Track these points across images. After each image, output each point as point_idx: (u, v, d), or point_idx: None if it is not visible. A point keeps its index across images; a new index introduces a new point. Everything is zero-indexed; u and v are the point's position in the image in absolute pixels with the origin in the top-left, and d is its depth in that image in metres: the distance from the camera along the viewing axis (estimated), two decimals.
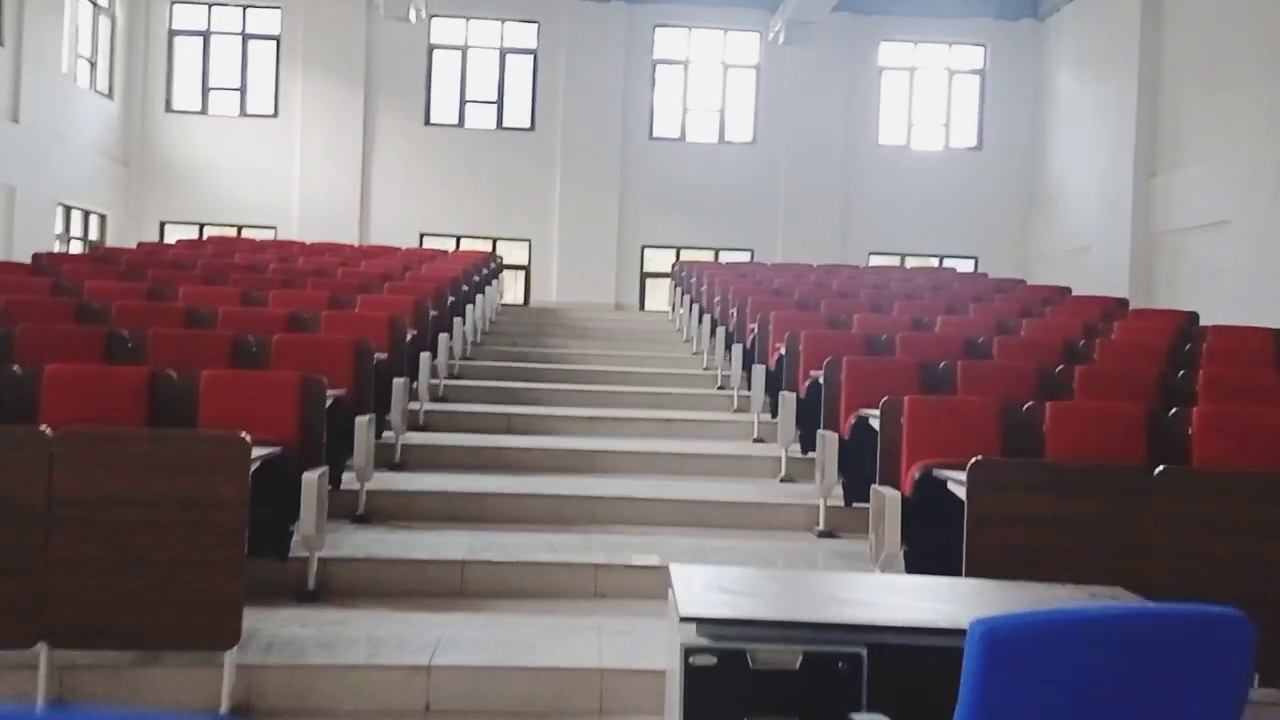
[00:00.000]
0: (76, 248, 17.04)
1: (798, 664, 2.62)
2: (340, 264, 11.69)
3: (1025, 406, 5.37)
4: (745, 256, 19.40)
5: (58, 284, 8.51)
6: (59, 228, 16.64)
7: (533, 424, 8.78)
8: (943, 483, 4.81)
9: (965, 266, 19.32)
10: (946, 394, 6.34)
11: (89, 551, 3.89)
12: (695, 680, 2.61)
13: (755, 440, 8.74)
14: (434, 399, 9.36)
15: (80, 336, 6.18)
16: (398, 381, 7.32)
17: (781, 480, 7.62)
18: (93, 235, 17.87)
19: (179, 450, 3.99)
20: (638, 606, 5.25)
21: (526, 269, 19.68)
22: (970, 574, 3.95)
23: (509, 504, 6.64)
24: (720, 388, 10.71)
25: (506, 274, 17.76)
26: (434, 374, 9.52)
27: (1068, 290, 12.34)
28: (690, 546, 6.01)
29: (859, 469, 6.18)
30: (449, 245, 18.66)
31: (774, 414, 8.61)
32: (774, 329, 8.90)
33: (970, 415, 5.30)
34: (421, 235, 19.27)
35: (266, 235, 18.33)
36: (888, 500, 5.05)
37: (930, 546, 5.15)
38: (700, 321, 12.56)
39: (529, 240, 19.61)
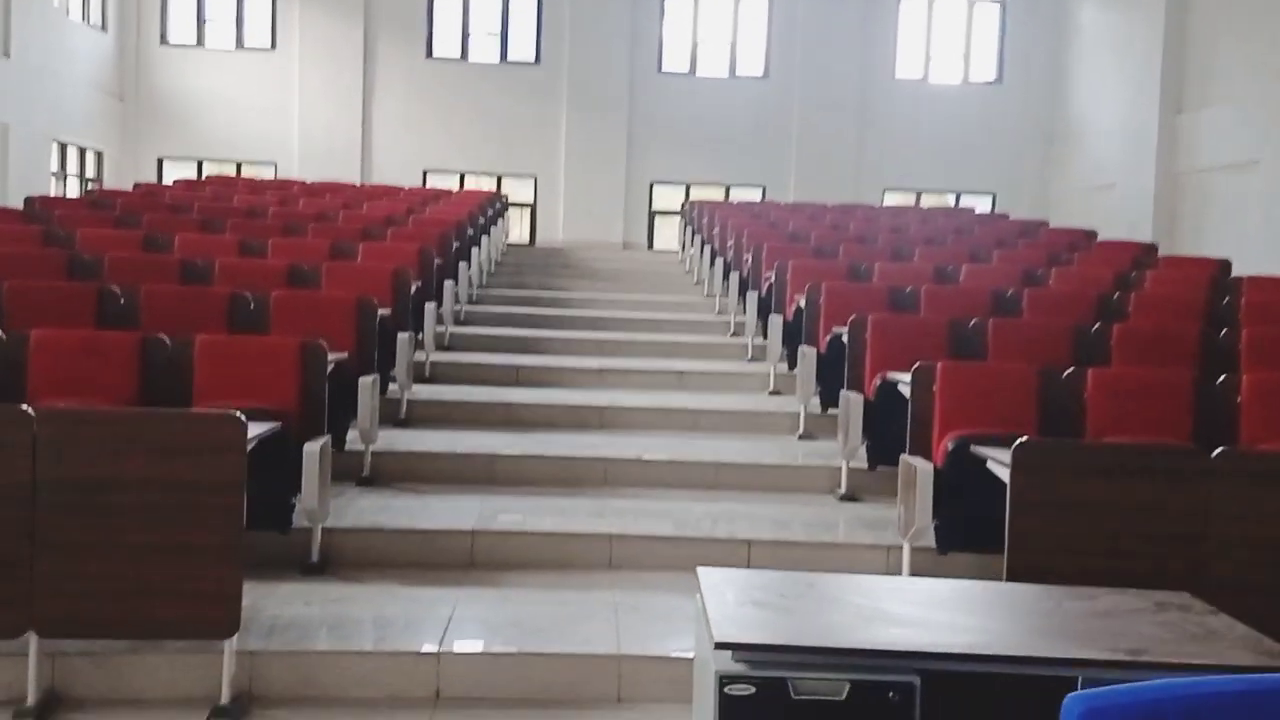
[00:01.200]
0: (74, 186, 16.69)
1: (844, 694, 2.38)
2: (342, 206, 11.35)
3: (1065, 374, 5.10)
4: (756, 194, 19.00)
5: (49, 232, 8.21)
6: (55, 165, 16.27)
7: (542, 376, 8.53)
8: (978, 454, 4.56)
9: (983, 204, 18.92)
10: (977, 355, 6.07)
11: (77, 537, 3.66)
12: (731, 712, 2.38)
13: (772, 393, 8.49)
14: (440, 348, 9.10)
15: (71, 294, 5.91)
16: (402, 336, 7.05)
17: (800, 438, 7.38)
18: (89, 172, 17.50)
19: (171, 430, 3.74)
20: (653, 580, 5.04)
21: (532, 207, 19.30)
22: (1012, 563, 3.72)
23: (519, 465, 6.41)
24: (734, 334, 10.44)
25: (511, 212, 17.39)
26: (439, 321, 9.25)
27: (1093, 234, 11.98)
28: (706, 513, 5.78)
29: (884, 432, 5.93)
30: (453, 183, 18.27)
31: (791, 366, 8.35)
32: (792, 279, 8.59)
33: (1008, 383, 5.04)
34: (424, 172, 18.86)
35: (266, 173, 17.95)
36: (919, 472, 4.80)
37: (962, 520, 4.92)
38: (712, 265, 12.25)
39: (534, 177, 19.21)
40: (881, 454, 6.04)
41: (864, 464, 6.25)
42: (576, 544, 5.29)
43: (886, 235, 11.15)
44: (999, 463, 4.19)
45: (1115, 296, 7.57)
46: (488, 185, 18.17)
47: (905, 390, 5.36)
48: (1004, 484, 4.21)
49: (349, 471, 6.08)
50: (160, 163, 18.47)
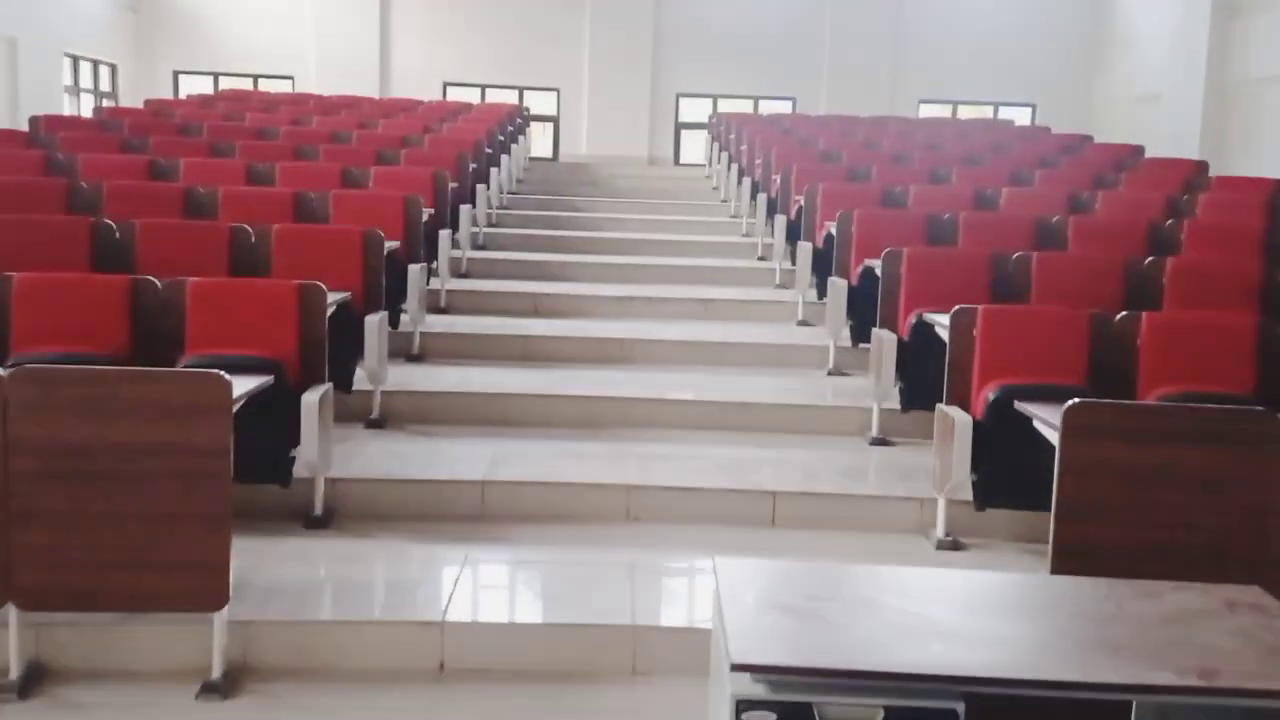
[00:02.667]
0: (87, 101, 16.32)
1: None
2: (357, 126, 10.95)
3: (1118, 318, 4.73)
4: (786, 107, 18.38)
5: (50, 159, 7.90)
6: (67, 79, 15.89)
7: (562, 306, 8.22)
8: (1023, 411, 4.24)
9: (1022, 115, 18.22)
10: (1019, 293, 5.69)
11: (54, 505, 3.44)
12: None
13: (800, 323, 8.16)
14: (456, 274, 8.80)
15: (64, 230, 5.62)
16: (414, 268, 6.74)
17: (829, 374, 7.06)
18: (104, 87, 17.11)
19: (151, 390, 3.47)
20: (673, 535, 4.79)
21: (555, 120, 18.76)
22: (1059, 535, 3.42)
23: (535, 405, 6.14)
24: (760, 258, 10.07)
25: (534, 126, 16.89)
26: (455, 246, 8.93)
27: (1140, 151, 11.41)
28: (730, 459, 5.50)
29: (919, 375, 5.61)
30: (474, 96, 17.76)
31: (821, 295, 8.01)
32: (822, 204, 8.18)
33: (1054, 328, 4.69)
34: (445, 85, 18.34)
35: (283, 86, 17.50)
36: (957, 425, 4.50)
37: (1002, 475, 4.63)
38: (739, 183, 11.81)
39: (557, 90, 18.64)
40: (915, 397, 5.73)
41: (896, 406, 5.94)
42: (593, 495, 5.03)
43: (922, 154, 10.65)
44: (1047, 424, 3.87)
45: (1167, 225, 7.13)
46: (509, 98, 17.63)
47: (942, 333, 5.02)
48: (1046, 437, 4.00)
49: (357, 413, 5.85)
50: (176, 76, 18.04)
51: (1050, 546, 3.43)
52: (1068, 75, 18.45)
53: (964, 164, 10.11)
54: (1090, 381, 4.66)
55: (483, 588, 4.27)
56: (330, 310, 4.89)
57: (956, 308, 4.82)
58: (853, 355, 7.04)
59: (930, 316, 5.37)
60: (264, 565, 4.21)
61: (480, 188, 10.08)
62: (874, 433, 5.96)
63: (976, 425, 4.53)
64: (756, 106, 18.47)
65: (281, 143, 9.33)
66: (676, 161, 18.62)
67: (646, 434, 5.93)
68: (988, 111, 18.75)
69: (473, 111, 13.60)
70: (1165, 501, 3.44)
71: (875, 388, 5.84)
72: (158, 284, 4.69)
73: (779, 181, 9.80)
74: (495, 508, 4.95)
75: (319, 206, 6.81)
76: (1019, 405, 4.23)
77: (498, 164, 11.50)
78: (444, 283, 8.09)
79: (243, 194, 6.86)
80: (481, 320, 7.74)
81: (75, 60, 16.17)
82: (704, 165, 16.11)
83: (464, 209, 9.05)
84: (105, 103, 16.56)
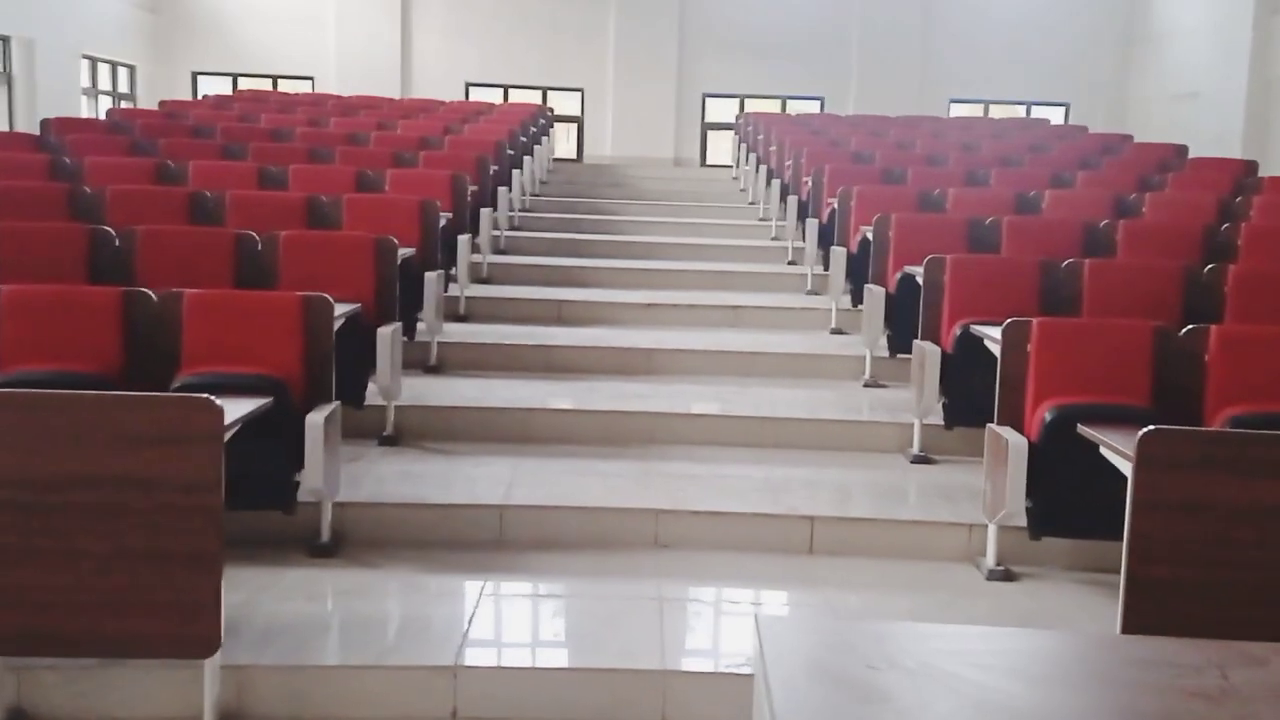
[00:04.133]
0: (106, 104, 16.14)
1: None
2: (375, 127, 10.68)
3: (1184, 332, 4.38)
4: (815, 107, 18.02)
5: (56, 162, 7.66)
6: (85, 81, 15.72)
7: (586, 313, 7.92)
8: (1088, 436, 3.89)
9: (1055, 114, 17.78)
10: (1071, 303, 5.35)
11: (30, 542, 3.14)
12: None
13: (833, 331, 7.82)
14: (476, 280, 8.52)
15: (60, 238, 5.35)
16: (430, 275, 6.45)
17: (866, 385, 6.73)
18: (122, 88, 16.94)
19: (135, 417, 3.17)
20: (704, 565, 4.47)
21: (579, 121, 18.47)
22: (1132, 572, 3.08)
23: (557, 421, 5.84)
24: (791, 263, 9.74)
25: (558, 127, 16.61)
26: (474, 251, 8.65)
27: (1184, 151, 10.99)
28: (762, 479, 5.18)
29: (964, 390, 5.27)
30: (496, 97, 17.49)
31: (855, 302, 7.68)
32: (856, 208, 7.84)
33: (1116, 343, 4.34)
34: (468, 86, 18.08)
35: (304, 88, 17.28)
36: (1011, 448, 4.16)
37: (1061, 501, 4.28)
38: (768, 185, 11.48)
39: (581, 90, 18.35)
40: (960, 414, 5.39)
41: (938, 421, 5.60)
42: (618, 520, 4.71)
43: (957, 155, 10.29)
44: (1119, 453, 3.53)
45: (1222, 229, 6.75)
46: (533, 99, 17.35)
47: (992, 347, 4.67)
48: (1108, 461, 3.66)
49: (370, 430, 5.56)
50: (195, 77, 17.87)
51: (1122, 590, 3.09)
52: (1102, 73, 18.00)
53: (1002, 165, 9.75)
54: (1155, 400, 4.31)
55: (500, 626, 3.96)
56: (339, 323, 4.60)
57: (1009, 320, 4.47)
58: (890, 366, 6.70)
59: (979, 329, 5.02)
60: (264, 600, 3.93)
61: (501, 190, 9.79)
62: (915, 450, 5.63)
63: (1032, 448, 4.20)
64: (784, 107, 18.12)
65: (296, 144, 9.07)
66: (703, 163, 18.30)
67: (673, 451, 5.62)
68: (1020, 111, 18.34)
69: (494, 112, 13.32)
70: (1250, 539, 3.10)
71: (918, 404, 5.50)
72: (153, 296, 4.40)
73: (810, 184, 9.46)
74: (514, 534, 4.64)
75: (331, 211, 6.53)
76: (1083, 430, 3.88)
77: (520, 166, 11.21)
78: (463, 289, 7.80)
79: (252, 198, 6.58)
80: (502, 329, 7.44)
81: (94, 62, 16.01)
82: (731, 167, 15.78)
83: (484, 212, 8.77)
84: (124, 104, 16.39)
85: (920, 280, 5.72)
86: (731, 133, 16.21)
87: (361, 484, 4.87)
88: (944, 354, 5.40)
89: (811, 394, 6.49)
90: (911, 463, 5.59)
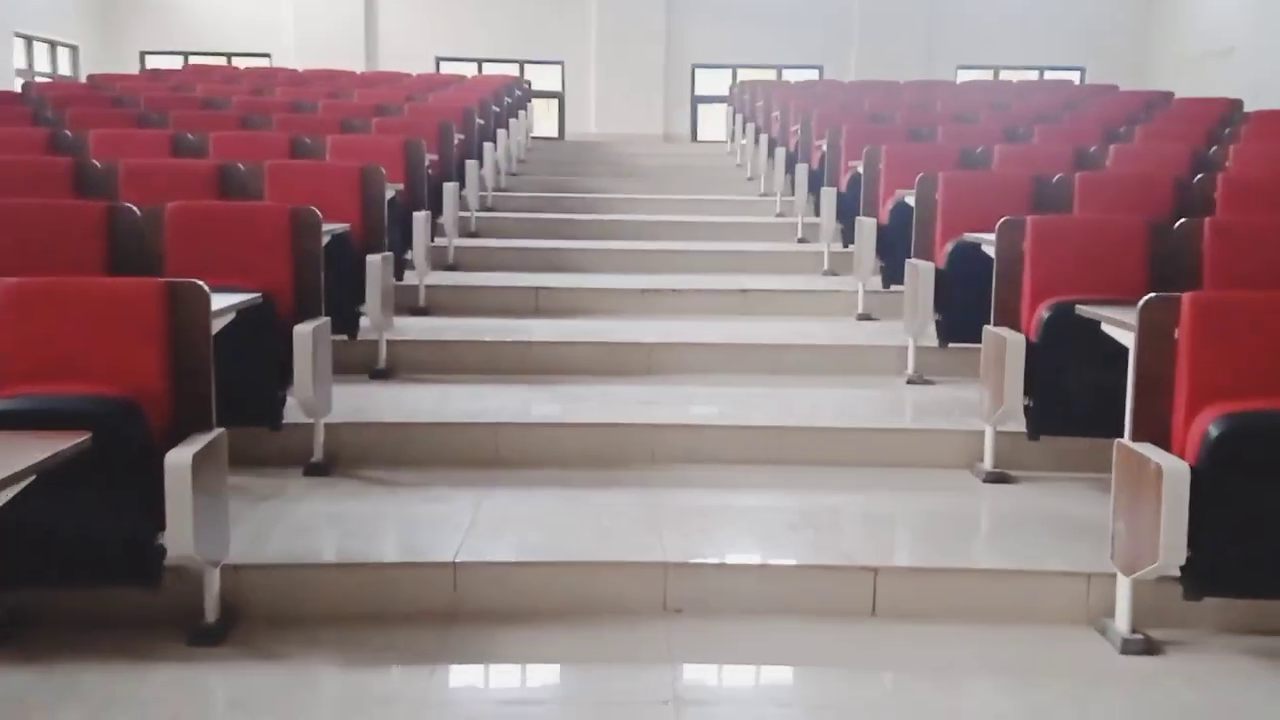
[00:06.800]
0: None
1: None
2: (327, 96, 9.43)
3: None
4: (813, 76, 16.79)
5: None
6: (19, 62, 14.38)
7: (570, 301, 6.71)
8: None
9: (1071, 79, 16.59)
10: (1191, 272, 4.18)
11: None
12: None
13: (861, 317, 6.62)
14: (440, 266, 7.29)
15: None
16: (374, 259, 5.20)
17: (910, 382, 5.53)
18: (63, 70, 15.60)
19: None
20: (729, 640, 3.28)
21: (560, 96, 17.21)
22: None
23: (534, 439, 4.63)
24: (801, 239, 8.54)
25: (537, 103, 15.34)
26: (440, 234, 7.42)
27: (1239, 104, 9.78)
28: (799, 511, 3.97)
29: (1049, 384, 4.13)
30: (469, 71, 16.20)
31: (886, 284, 6.50)
32: (886, 171, 6.61)
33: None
34: (438, 60, 16.80)
35: (260, 65, 15.96)
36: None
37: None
38: (770, 156, 10.25)
39: (561, 63, 17.09)
40: (1037, 420, 4.22)
41: (1017, 428, 4.38)
42: (615, 579, 3.50)
43: (988, 113, 9.09)
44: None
45: None
46: (509, 73, 16.08)
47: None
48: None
49: (294, 456, 4.32)
50: (143, 57, 16.52)
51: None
52: (1120, 35, 16.84)
53: (1039, 122, 8.55)
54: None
55: None
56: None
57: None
58: (943, 357, 5.50)
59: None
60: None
61: (471, 164, 8.55)
62: (988, 465, 4.42)
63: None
64: (780, 76, 16.88)
65: (229, 113, 7.83)
66: (694, 138, 17.09)
67: (682, 474, 4.41)
68: (1031, 76, 17.15)
69: (465, 83, 12.06)
70: None
71: (991, 414, 4.30)
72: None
73: (824, 149, 8.23)
74: (472, 602, 3.41)
75: (251, 181, 5.29)
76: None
77: (493, 139, 9.96)
78: (422, 276, 6.56)
79: (151, 167, 5.31)
80: (468, 322, 6.25)
81: (29, 41, 14.66)
82: (725, 141, 14.58)
83: (449, 187, 7.52)
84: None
85: (988, 251, 4.52)
86: (725, 105, 15.00)
87: (269, 536, 3.64)
88: (1029, 342, 4.21)
89: (847, 394, 5.29)
90: (984, 481, 4.38)
